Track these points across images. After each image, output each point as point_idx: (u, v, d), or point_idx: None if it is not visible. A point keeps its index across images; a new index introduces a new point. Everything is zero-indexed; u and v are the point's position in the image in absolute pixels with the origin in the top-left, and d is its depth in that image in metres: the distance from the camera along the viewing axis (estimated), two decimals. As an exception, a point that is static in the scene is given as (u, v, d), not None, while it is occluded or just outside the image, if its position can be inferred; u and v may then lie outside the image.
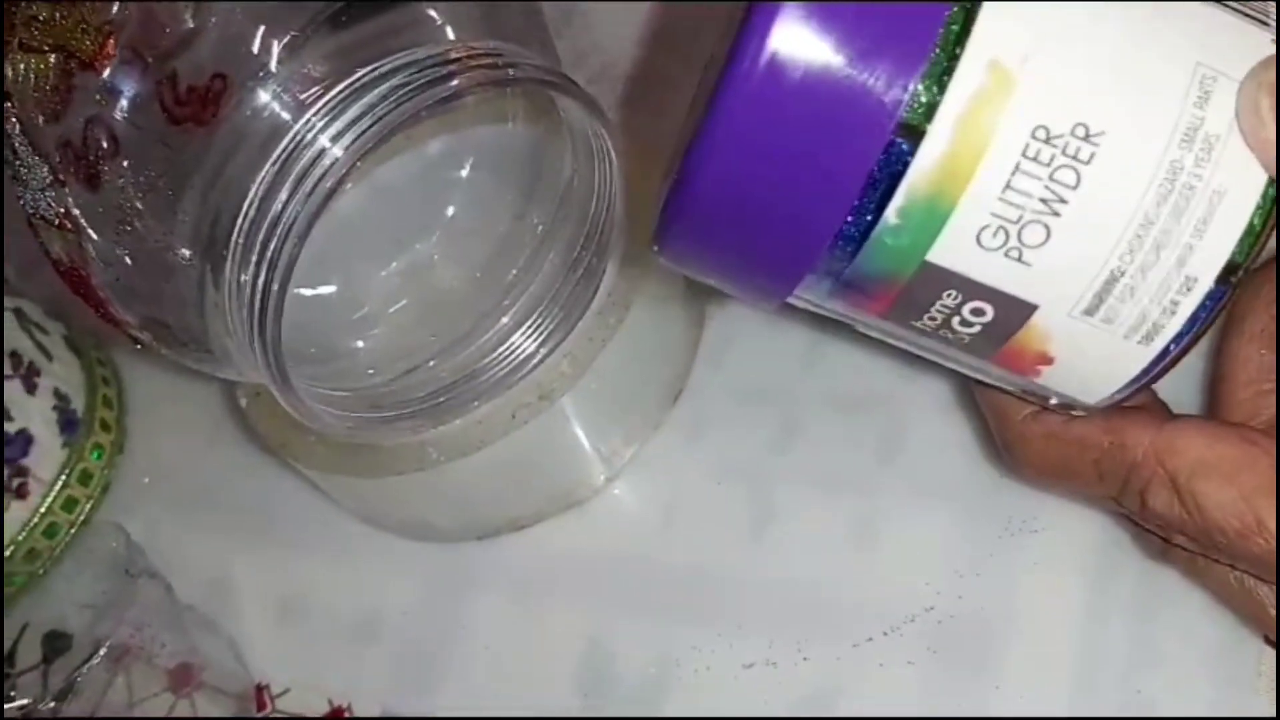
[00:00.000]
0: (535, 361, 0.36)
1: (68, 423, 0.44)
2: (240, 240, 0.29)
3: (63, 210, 0.30)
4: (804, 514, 0.37)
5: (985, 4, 0.20)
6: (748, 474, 0.38)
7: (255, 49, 0.29)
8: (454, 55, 0.29)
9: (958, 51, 0.20)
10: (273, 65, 0.29)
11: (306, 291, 0.37)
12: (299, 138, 0.28)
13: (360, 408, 0.35)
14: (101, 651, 0.37)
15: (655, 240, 0.23)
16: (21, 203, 0.32)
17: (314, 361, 0.37)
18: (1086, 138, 0.21)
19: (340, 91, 0.28)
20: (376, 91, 0.28)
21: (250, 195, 0.28)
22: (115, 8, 0.29)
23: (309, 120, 0.28)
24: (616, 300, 0.36)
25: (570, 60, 0.48)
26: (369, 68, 0.28)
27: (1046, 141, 0.20)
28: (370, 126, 0.28)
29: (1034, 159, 0.21)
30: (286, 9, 0.29)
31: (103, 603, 0.39)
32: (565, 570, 0.38)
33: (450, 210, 0.39)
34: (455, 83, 0.28)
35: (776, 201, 0.21)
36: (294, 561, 0.42)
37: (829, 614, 0.35)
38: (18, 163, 0.31)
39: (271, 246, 0.28)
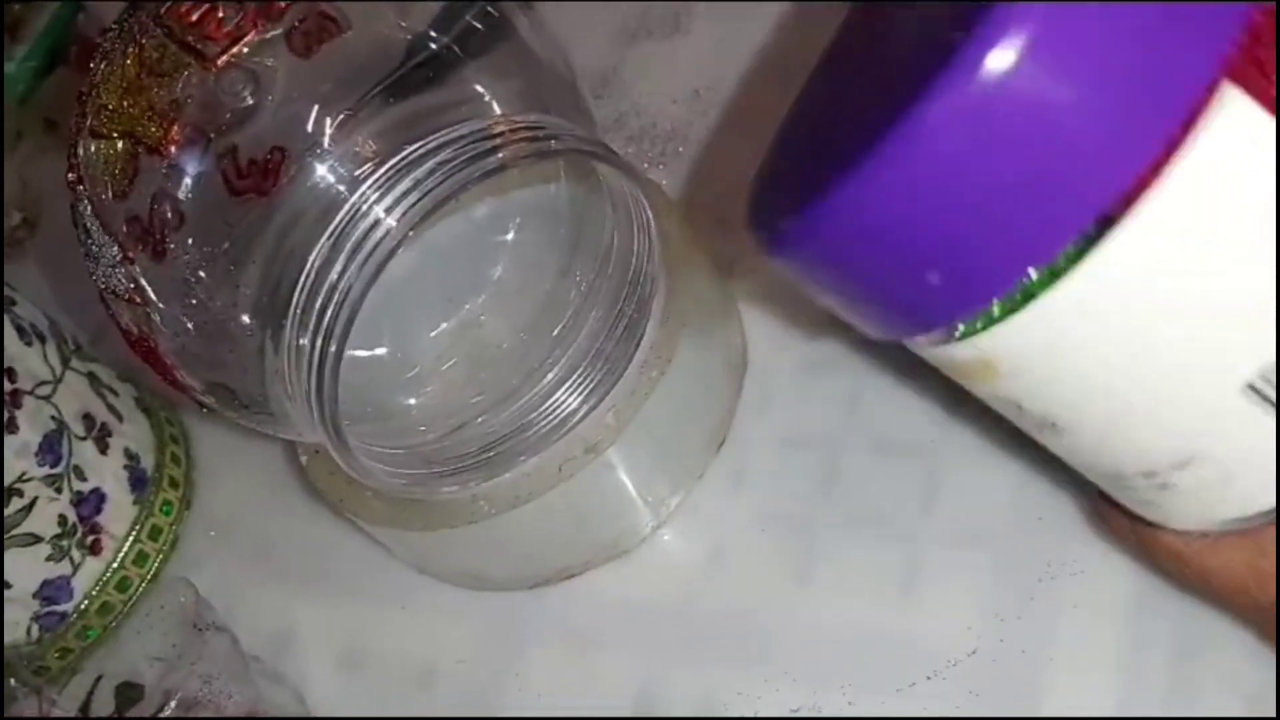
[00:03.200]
0: (581, 415, 0.36)
1: (138, 481, 0.45)
2: (299, 308, 0.30)
3: (132, 284, 0.32)
4: (847, 559, 0.37)
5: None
6: (791, 520, 0.38)
7: (310, 126, 0.30)
8: (497, 129, 0.30)
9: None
10: (327, 141, 0.30)
11: (361, 353, 0.38)
12: (354, 210, 0.29)
13: (413, 464, 0.36)
14: (172, 703, 0.38)
15: (770, 242, 0.21)
16: (93, 278, 0.33)
17: (369, 420, 0.38)
18: None
19: (392, 166, 0.30)
20: (425, 166, 0.29)
21: (308, 265, 0.30)
22: (179, 87, 0.31)
23: (363, 193, 0.30)
24: (658, 353, 0.37)
25: (610, 122, 0.50)
26: (418, 143, 0.30)
27: None
28: (420, 199, 0.29)
29: None
30: (339, 88, 0.31)
31: (173, 655, 0.40)
32: (615, 617, 0.39)
33: (497, 271, 0.40)
34: (499, 155, 0.29)
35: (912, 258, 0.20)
36: (354, 612, 0.43)
37: (873, 658, 0.35)
38: (90, 241, 0.33)
39: (329, 313, 0.29)
